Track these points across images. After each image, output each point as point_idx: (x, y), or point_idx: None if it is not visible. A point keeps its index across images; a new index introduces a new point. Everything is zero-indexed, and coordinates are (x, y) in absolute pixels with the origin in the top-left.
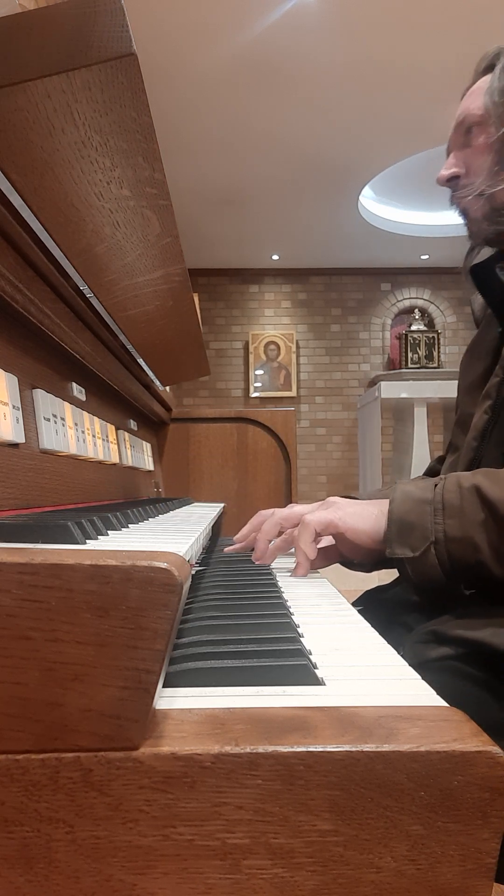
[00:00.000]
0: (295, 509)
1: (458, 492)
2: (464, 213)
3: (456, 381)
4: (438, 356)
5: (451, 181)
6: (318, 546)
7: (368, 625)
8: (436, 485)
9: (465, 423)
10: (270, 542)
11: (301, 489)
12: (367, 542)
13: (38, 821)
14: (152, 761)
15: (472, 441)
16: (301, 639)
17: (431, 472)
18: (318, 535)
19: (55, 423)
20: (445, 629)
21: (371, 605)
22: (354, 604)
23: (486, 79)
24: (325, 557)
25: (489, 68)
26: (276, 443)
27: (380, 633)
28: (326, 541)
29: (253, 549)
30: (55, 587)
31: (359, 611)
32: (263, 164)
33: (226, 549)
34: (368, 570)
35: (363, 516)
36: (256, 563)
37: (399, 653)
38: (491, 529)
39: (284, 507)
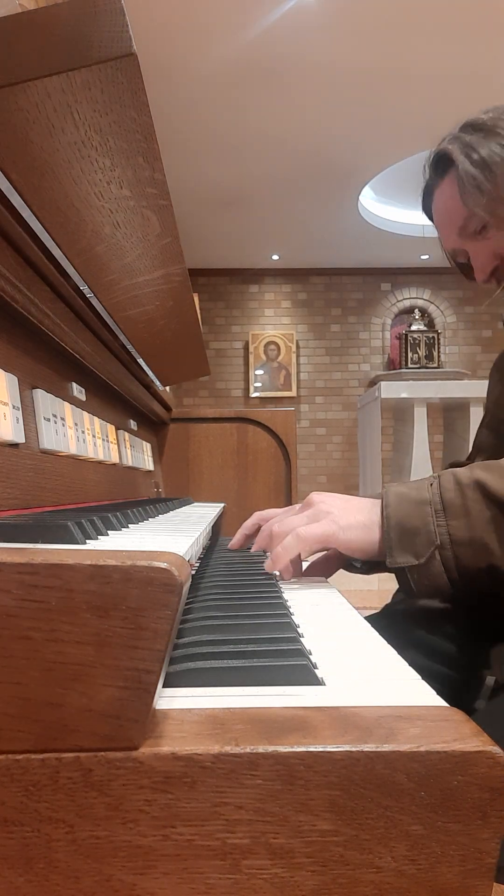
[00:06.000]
0: (292, 521)
1: (458, 489)
2: None
3: (457, 381)
4: (438, 356)
5: (496, 273)
6: (319, 556)
7: (369, 625)
8: (431, 483)
9: (499, 430)
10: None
11: (301, 489)
12: (363, 556)
13: (38, 821)
14: (152, 761)
15: None
16: (301, 639)
17: None
18: (312, 552)
19: (55, 423)
20: None
21: (388, 621)
22: (372, 617)
23: (447, 185)
24: (327, 567)
25: (441, 171)
26: (276, 443)
27: (397, 646)
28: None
29: (251, 548)
30: (55, 587)
31: (372, 623)
32: (263, 164)
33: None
34: (367, 573)
35: (357, 529)
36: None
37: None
38: (502, 528)
39: (283, 506)
